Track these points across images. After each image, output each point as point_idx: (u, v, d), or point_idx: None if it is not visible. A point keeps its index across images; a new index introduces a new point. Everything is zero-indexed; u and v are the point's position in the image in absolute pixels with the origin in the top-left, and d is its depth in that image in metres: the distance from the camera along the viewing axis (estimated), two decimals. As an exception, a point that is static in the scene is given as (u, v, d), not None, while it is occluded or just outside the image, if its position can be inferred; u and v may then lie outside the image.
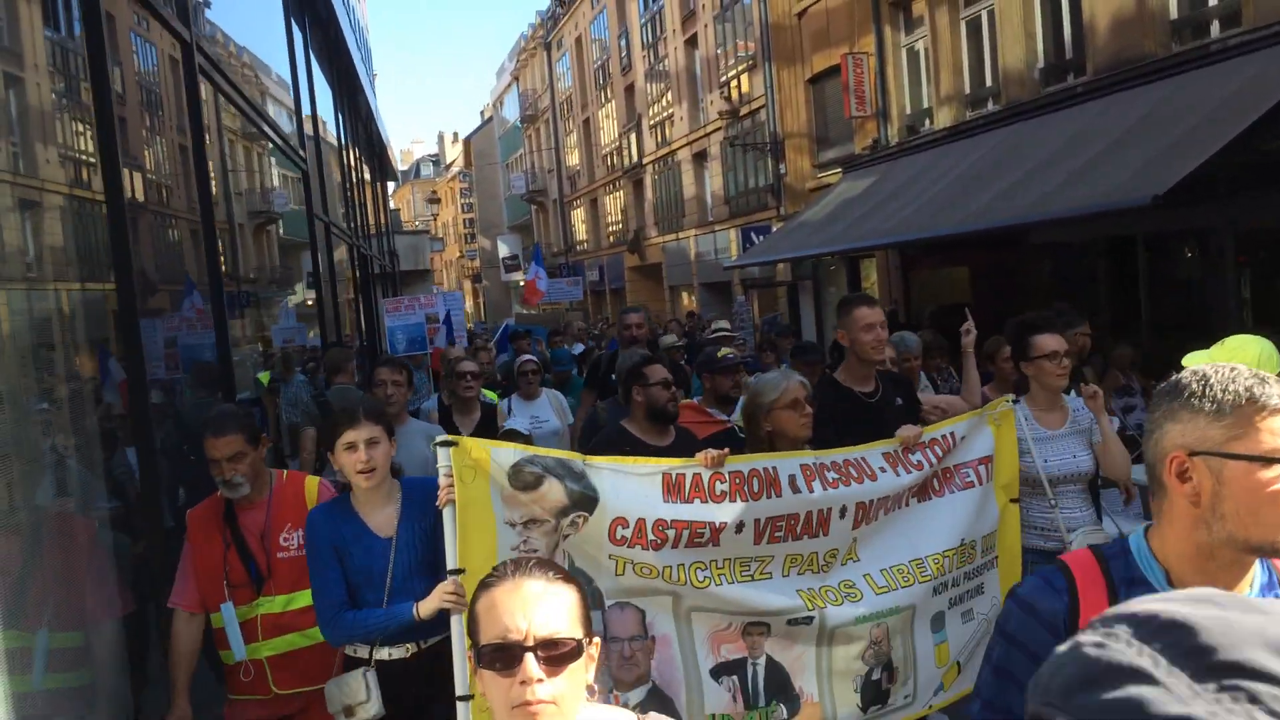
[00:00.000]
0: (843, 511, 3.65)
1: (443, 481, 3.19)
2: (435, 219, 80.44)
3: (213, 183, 5.23)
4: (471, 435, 6.23)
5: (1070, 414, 4.48)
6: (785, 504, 3.55)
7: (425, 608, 3.27)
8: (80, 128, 3.84)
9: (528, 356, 8.13)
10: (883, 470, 3.78)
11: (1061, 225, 10.83)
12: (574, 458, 3.42)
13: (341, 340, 11.69)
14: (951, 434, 4.01)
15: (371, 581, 3.45)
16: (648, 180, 33.15)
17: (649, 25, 31.95)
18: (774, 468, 3.59)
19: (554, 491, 3.29)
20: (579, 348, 13.54)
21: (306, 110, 9.69)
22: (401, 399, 5.45)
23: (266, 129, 7.21)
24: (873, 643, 3.68)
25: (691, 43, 28.23)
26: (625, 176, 35.04)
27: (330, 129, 12.86)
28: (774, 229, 21.77)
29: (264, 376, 7.67)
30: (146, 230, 4.71)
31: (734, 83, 24.49)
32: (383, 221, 23.34)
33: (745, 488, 3.50)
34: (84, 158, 3.83)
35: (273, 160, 8.62)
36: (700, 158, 28.36)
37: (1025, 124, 12.89)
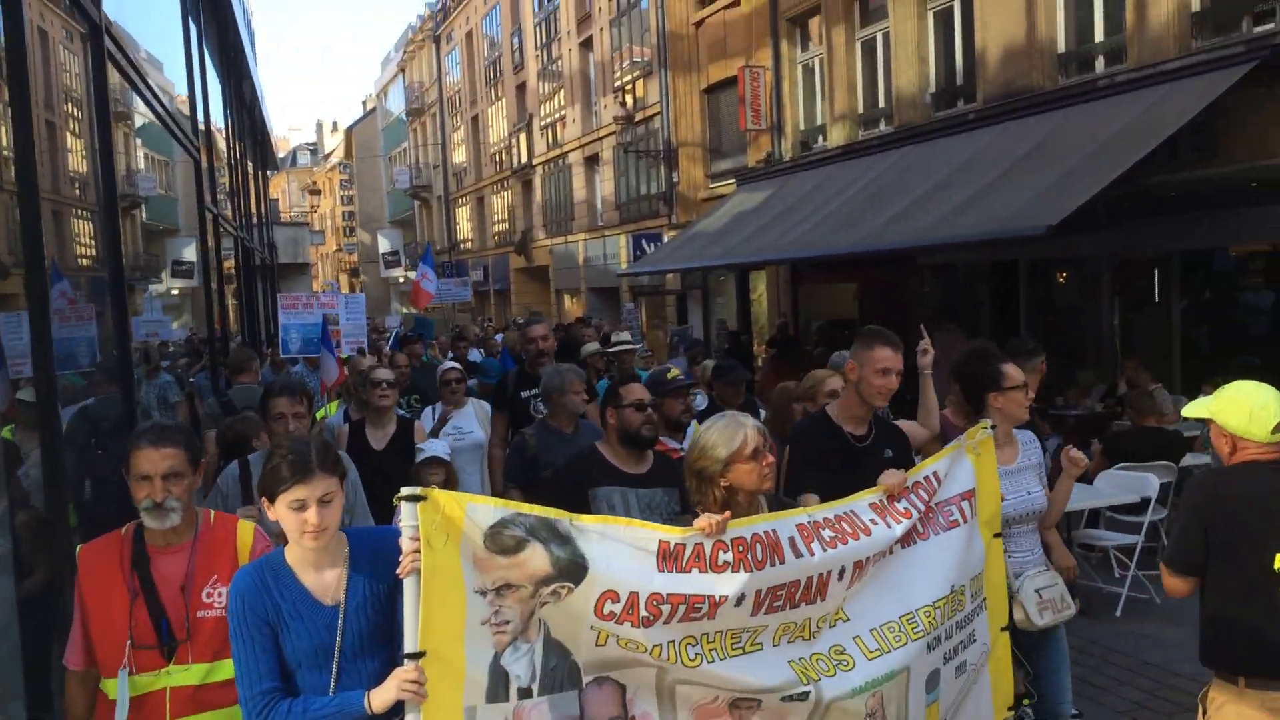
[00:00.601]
0: (841, 573, 3.37)
1: (406, 545, 2.76)
2: (315, 210, 78.31)
3: (84, 164, 4.93)
4: (385, 450, 5.84)
5: (1021, 448, 4.35)
6: (788, 570, 3.24)
7: (379, 699, 2.75)
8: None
9: (450, 364, 7.68)
10: (874, 523, 3.50)
11: (950, 248, 11.16)
12: (560, 516, 2.99)
13: (225, 336, 11.22)
14: (935, 473, 3.74)
15: (315, 660, 2.88)
16: (537, 181, 32.92)
17: (543, 25, 31.75)
18: (774, 530, 3.26)
19: (536, 557, 2.88)
20: (474, 354, 13.26)
21: (199, 95, 9.27)
22: (303, 433, 4.61)
23: (166, 117, 6.85)
24: (869, 714, 3.38)
25: (586, 45, 28.16)
26: (514, 176, 34.73)
27: (218, 114, 12.33)
28: (665, 237, 21.89)
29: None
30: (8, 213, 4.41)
31: (629, 88, 24.53)
32: (263, 212, 22.55)
33: (749, 555, 3.16)
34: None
35: (138, 141, 8.20)
36: (592, 161, 28.32)
37: (918, 147, 13.25)
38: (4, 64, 3.51)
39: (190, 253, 11.44)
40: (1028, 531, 4.28)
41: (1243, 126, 9.12)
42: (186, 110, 9.10)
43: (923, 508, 3.63)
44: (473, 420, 7.02)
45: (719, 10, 19.65)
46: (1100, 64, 11.20)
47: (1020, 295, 13.03)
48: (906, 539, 3.58)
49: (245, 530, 3.33)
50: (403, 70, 51.98)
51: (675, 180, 21.94)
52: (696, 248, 16.30)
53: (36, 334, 3.51)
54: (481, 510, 2.88)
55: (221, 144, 12.79)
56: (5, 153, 3.74)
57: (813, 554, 3.29)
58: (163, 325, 9.45)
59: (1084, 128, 10.06)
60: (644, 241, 22.81)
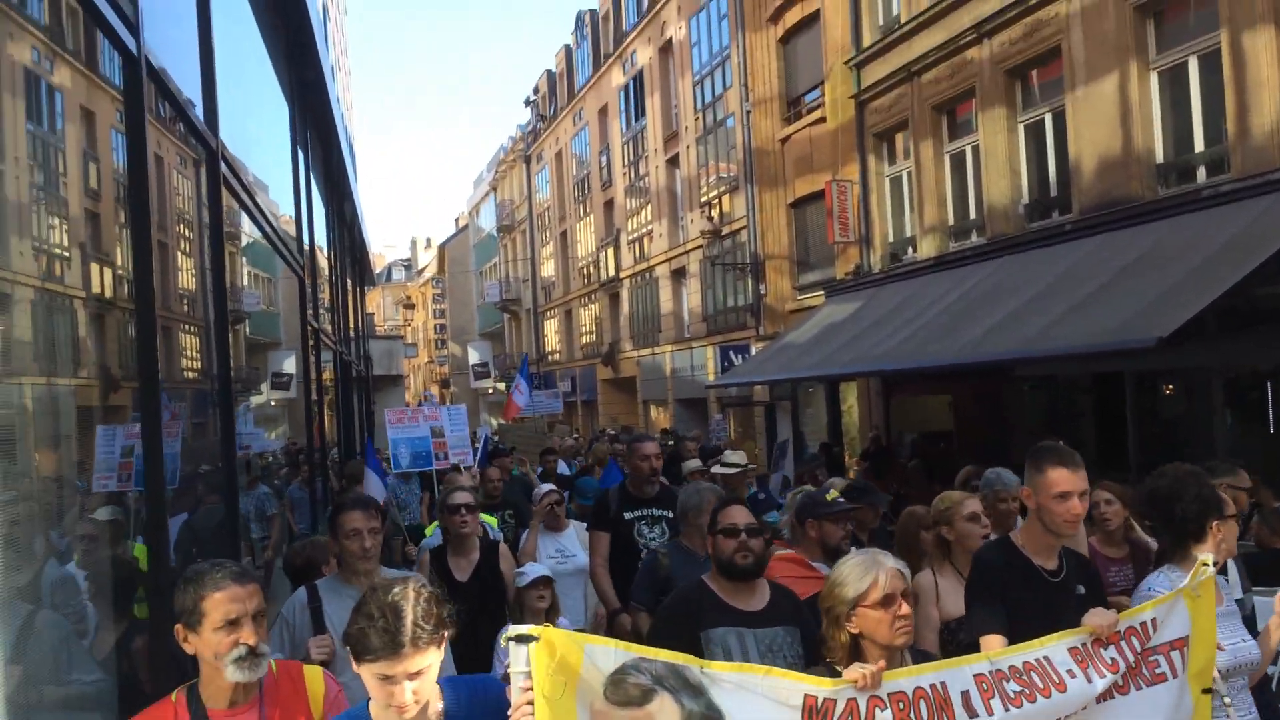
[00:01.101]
0: None
1: (517, 695, 2.45)
2: (408, 324, 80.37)
3: (194, 280, 5.08)
4: (470, 581, 5.50)
5: (1222, 587, 3.76)
6: None
7: None
8: (115, 236, 3.68)
9: (549, 487, 7.35)
10: (1071, 675, 3.02)
11: (1049, 361, 10.87)
12: (690, 663, 2.65)
13: (325, 447, 11.38)
14: (1152, 620, 3.25)
15: None
16: (624, 294, 33.35)
17: (630, 143, 32.58)
18: (943, 683, 2.86)
19: (665, 712, 2.49)
20: (563, 468, 13.22)
21: (305, 215, 9.61)
22: (377, 551, 4.43)
23: (274, 237, 7.08)
24: None
25: (673, 162, 28.77)
26: (601, 289, 35.26)
27: (321, 233, 12.78)
28: (752, 348, 21.85)
29: None
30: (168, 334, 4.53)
31: (715, 203, 24.88)
32: (360, 326, 23.19)
33: (911, 714, 2.77)
34: (118, 268, 3.66)
35: (244, 259, 8.51)
36: (679, 274, 28.62)
37: (1012, 258, 13.07)
38: (125, 187, 3.65)
39: (290, 365, 11.72)
40: (1241, 688, 3.67)
41: (1359, 234, 8.79)
42: (292, 230, 9.45)
43: (1133, 660, 3.17)
44: (575, 543, 6.73)
45: (805, 127, 19.92)
46: (1202, 174, 10.97)
47: (1126, 408, 12.57)
48: (1105, 693, 3.12)
49: (315, 678, 3.02)
50: (494, 189, 53.69)
51: (762, 292, 22.00)
52: (786, 359, 16.19)
53: (149, 448, 3.53)
54: (602, 653, 2.57)
55: (323, 262, 13.23)
56: (121, 271, 3.87)
57: (991, 713, 2.86)
58: (255, 437, 9.59)
59: (1188, 238, 9.81)
60: (731, 353, 22.80)
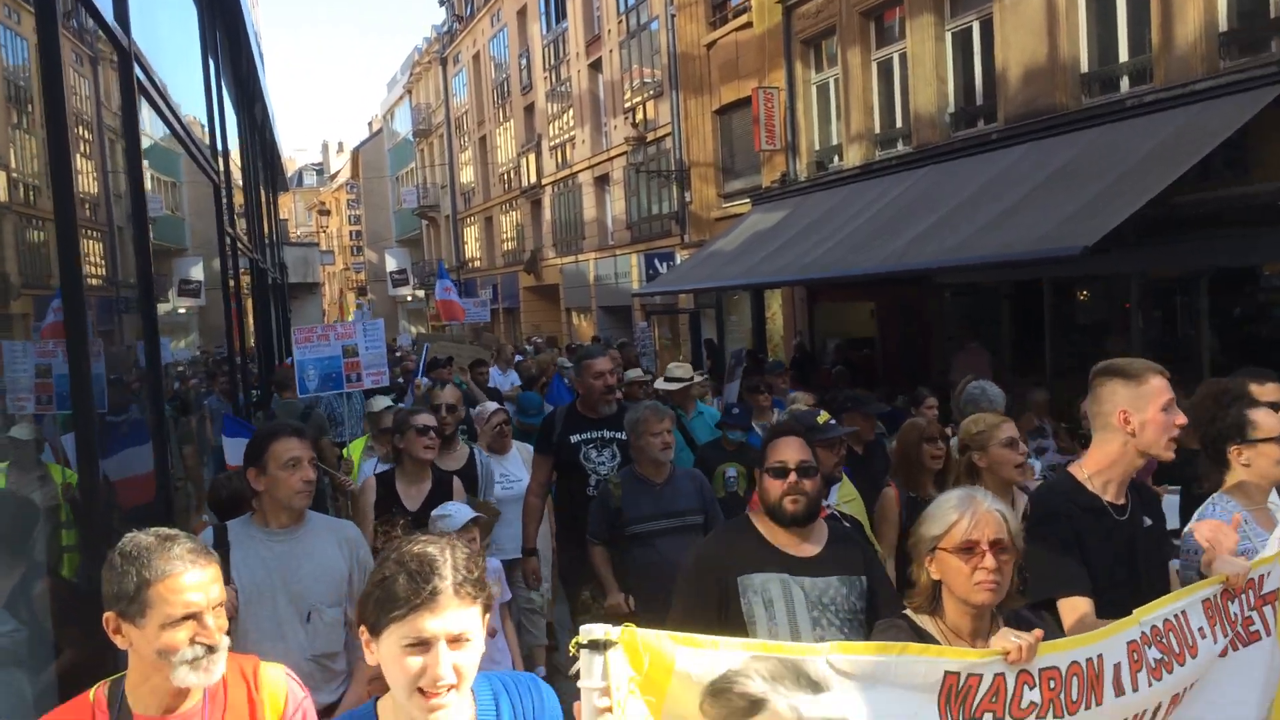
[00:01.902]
0: (1155, 711, 2.56)
1: (589, 713, 2.00)
2: (323, 230, 78.42)
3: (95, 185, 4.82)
4: (421, 511, 4.91)
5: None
6: (1104, 714, 2.42)
7: None
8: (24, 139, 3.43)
9: (495, 406, 6.99)
10: (1201, 634, 2.64)
11: (977, 269, 11.03)
12: (810, 653, 2.17)
13: (245, 357, 11.09)
14: (1262, 575, 2.85)
15: None
16: (546, 201, 32.87)
17: (551, 46, 31.76)
18: (1099, 656, 2.43)
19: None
20: (513, 377, 12.81)
21: (218, 119, 9.18)
22: (312, 488, 3.76)
23: (188, 142, 6.74)
24: None
25: (595, 66, 28.15)
26: (523, 196, 34.69)
27: (233, 137, 12.25)
28: (678, 256, 21.79)
29: None
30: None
31: (639, 109, 24.48)
32: (274, 232, 22.49)
33: (1062, 695, 2.34)
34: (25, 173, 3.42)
35: (146, 163, 8.13)
36: (602, 181, 28.26)
37: (938, 167, 13.14)
38: (33, 88, 3.40)
39: (197, 272, 11.31)
40: None
41: (1276, 144, 9.00)
42: (202, 135, 9.03)
43: (1249, 615, 2.78)
44: (520, 465, 6.42)
45: (731, 32, 19.59)
46: (1125, 84, 11.08)
47: (1044, 314, 12.87)
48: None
49: (273, 682, 2.48)
50: (409, 92, 52.10)
51: (688, 200, 21.86)
52: (713, 267, 16.18)
53: (74, 362, 3.32)
54: (699, 659, 2.08)
55: (237, 167, 12.71)
56: (28, 176, 3.63)
57: (1136, 689, 2.45)
58: (163, 347, 9.15)
59: (1112, 148, 9.94)
60: (656, 261, 22.72)
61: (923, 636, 2.58)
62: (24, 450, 3.77)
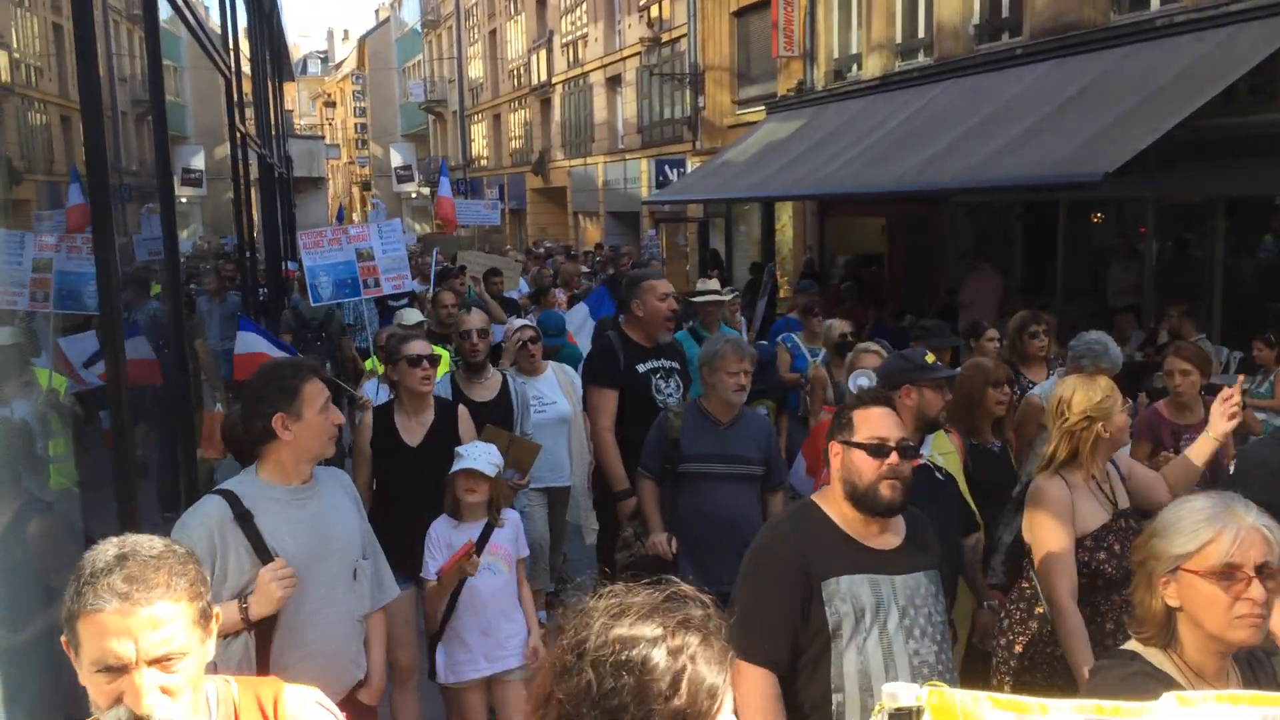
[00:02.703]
0: None
1: None
2: (329, 123, 77.34)
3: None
4: (423, 446, 4.60)
5: None
6: None
7: None
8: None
9: (523, 321, 6.47)
10: None
11: (998, 191, 10.92)
12: (1143, 715, 1.69)
13: (255, 252, 11.05)
14: None
15: None
16: (556, 100, 32.35)
17: (566, -62, 30.92)
18: None
19: None
20: (523, 285, 12.34)
21: (229, 8, 8.99)
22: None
23: (203, 34, 6.62)
24: None
25: (611, -39, 27.44)
26: (532, 94, 34.13)
27: (241, 26, 12.01)
28: (689, 163, 21.53)
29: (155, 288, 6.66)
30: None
31: (654, 7, 23.93)
32: (279, 124, 22.20)
33: None
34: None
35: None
36: (614, 82, 27.76)
37: (959, 81, 12.88)
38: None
39: (199, 161, 11.21)
40: None
41: (1306, 72, 8.83)
42: (211, 25, 8.85)
43: None
44: (555, 387, 5.90)
45: (753, -71, 19.04)
46: (1155, 2, 10.81)
47: (1057, 236, 12.78)
48: None
49: (296, 714, 2.03)
50: (418, -20, 50.87)
51: (701, 105, 21.50)
52: (726, 178, 16.00)
53: (102, 259, 3.26)
54: None
55: (244, 57, 12.49)
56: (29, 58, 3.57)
57: None
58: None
59: (1138, 69, 9.74)
60: (667, 167, 22.46)
61: (1160, 679, 2.12)
62: (7, 355, 3.63)
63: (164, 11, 6.16)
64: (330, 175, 59.61)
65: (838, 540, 2.84)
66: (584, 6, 29.52)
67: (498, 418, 5.13)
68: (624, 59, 26.52)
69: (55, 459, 3.91)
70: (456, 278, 9.81)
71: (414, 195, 50.84)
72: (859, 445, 2.81)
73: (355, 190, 71.24)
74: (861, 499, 2.81)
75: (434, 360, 4.73)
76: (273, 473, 3.17)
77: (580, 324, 9.08)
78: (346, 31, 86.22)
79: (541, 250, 21.92)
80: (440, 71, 47.64)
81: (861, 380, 4.46)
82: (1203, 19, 9.61)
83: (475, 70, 42.63)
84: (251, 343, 6.03)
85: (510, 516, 4.37)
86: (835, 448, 2.89)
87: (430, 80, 48.64)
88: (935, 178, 10.46)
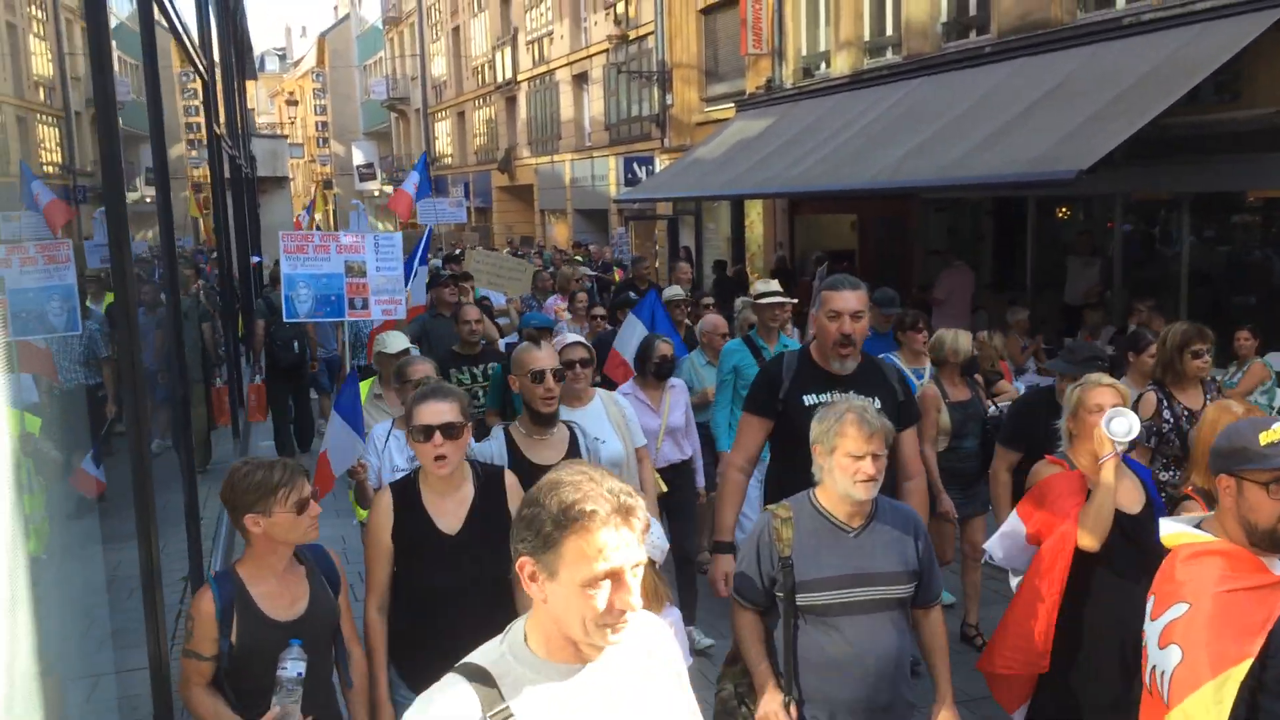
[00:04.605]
0: None
1: None
2: (291, 121, 76.47)
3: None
4: (464, 534, 3.45)
5: None
6: None
7: None
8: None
9: (575, 338, 5.40)
10: None
11: (972, 189, 11.06)
12: None
13: (224, 252, 10.97)
14: None
15: None
16: (521, 98, 32.27)
17: (529, -65, 30.82)
18: None
19: None
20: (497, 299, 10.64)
21: (206, 6, 8.91)
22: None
23: (183, 35, 6.57)
24: None
25: (576, -42, 27.40)
26: (497, 92, 34.01)
27: (212, 23, 11.89)
28: (657, 160, 21.58)
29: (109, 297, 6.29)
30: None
31: (620, 4, 23.93)
32: (243, 123, 21.97)
33: None
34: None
35: (114, 44, 7.84)
36: (581, 79, 27.74)
37: (928, 79, 13.04)
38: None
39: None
40: None
41: (1268, 70, 9.03)
42: (187, 23, 8.75)
43: None
44: (603, 421, 4.65)
45: (720, -73, 19.12)
46: (1121, 1, 11.00)
47: (1027, 231, 12.97)
48: None
49: None
50: (379, -24, 50.45)
51: (669, 103, 21.56)
52: (696, 176, 16.07)
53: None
54: None
55: (215, 55, 12.36)
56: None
57: None
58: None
59: (1106, 67, 9.92)
60: (635, 164, 22.50)
61: None
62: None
63: (123, 5, 6.10)
64: (292, 175, 59.07)
65: None
66: (548, 3, 29.46)
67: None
68: (590, 56, 26.51)
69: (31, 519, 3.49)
70: (446, 286, 8.52)
71: (377, 194, 50.43)
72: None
73: (316, 189, 70.56)
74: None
75: (455, 432, 3.42)
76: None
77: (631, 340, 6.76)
78: (305, 28, 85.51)
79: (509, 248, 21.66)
80: (402, 69, 47.30)
81: (1124, 423, 3.57)
82: (1169, 17, 9.81)
83: (438, 67, 42.38)
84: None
85: (671, 616, 3.32)
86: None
87: (392, 77, 48.27)
88: (911, 176, 10.59)
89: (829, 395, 3.97)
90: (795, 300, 7.01)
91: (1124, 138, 8.30)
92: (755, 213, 18.83)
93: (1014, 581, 3.96)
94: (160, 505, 3.43)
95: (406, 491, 3.52)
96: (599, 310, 8.83)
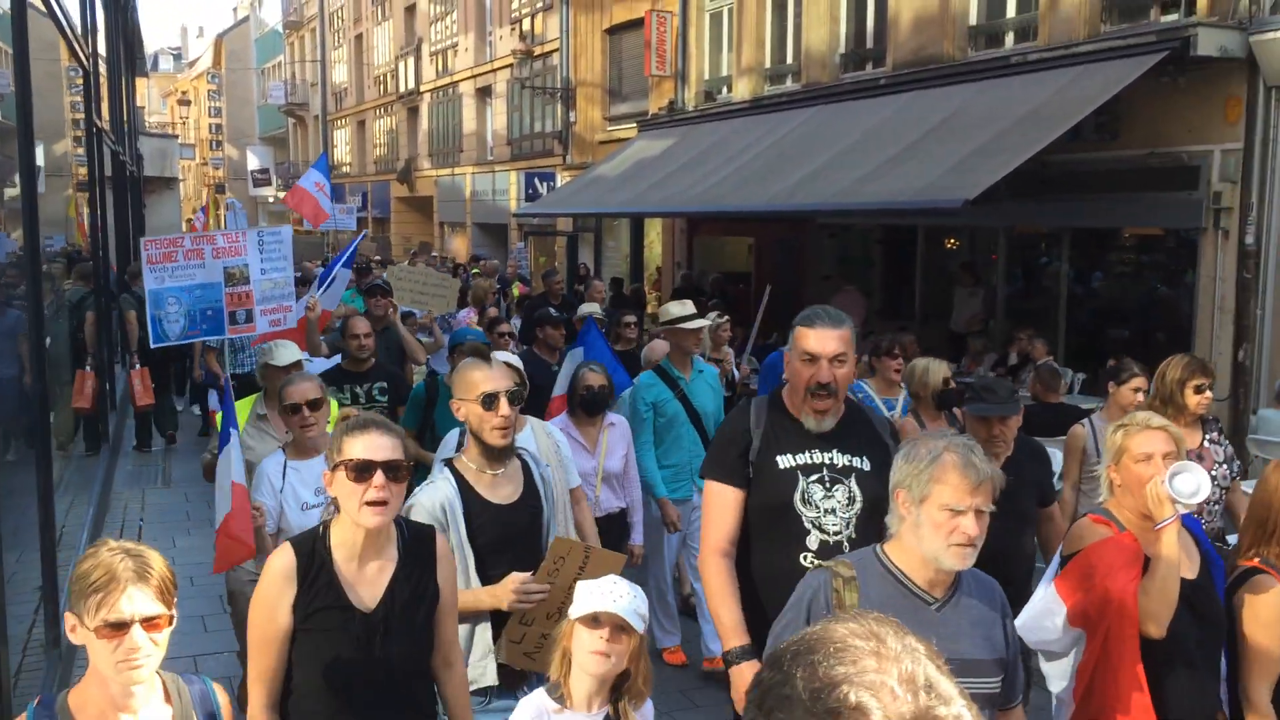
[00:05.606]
0: None
1: None
2: (183, 121, 74.23)
3: None
4: (383, 604, 2.76)
5: None
6: None
7: None
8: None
9: (507, 357, 4.95)
10: None
11: (864, 214, 11.30)
12: None
13: (99, 254, 10.55)
14: None
15: None
16: (423, 109, 31.93)
17: (436, -55, 30.60)
18: None
19: None
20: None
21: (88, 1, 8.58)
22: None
23: (63, 21, 6.30)
24: None
25: (482, -29, 27.29)
26: (399, 101, 33.60)
27: (99, 15, 11.47)
28: (559, 176, 21.56)
29: None
30: None
31: (526, 21, 23.91)
32: (130, 119, 21.23)
33: None
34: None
35: None
36: (484, 93, 27.58)
37: (826, 108, 13.31)
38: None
39: (38, 157, 10.62)
40: None
41: (1145, 112, 9.46)
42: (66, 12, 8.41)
43: None
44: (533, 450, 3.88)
45: (627, -52, 19.24)
46: (1010, 40, 11.42)
47: (916, 260, 13.32)
48: None
49: None
50: (280, -21, 49.46)
51: (572, 120, 21.58)
52: (597, 192, 16.09)
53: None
54: None
55: (101, 48, 11.92)
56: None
57: None
58: None
59: (996, 102, 10.26)
60: (536, 180, 22.43)
61: None
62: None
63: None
64: (183, 176, 57.33)
65: None
66: (454, 15, 29.24)
67: (523, 524, 3.39)
68: (495, 70, 26.39)
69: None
70: (381, 295, 7.75)
71: (271, 200, 49.29)
72: None
73: (208, 192, 68.58)
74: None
75: (401, 474, 2.77)
76: None
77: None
78: (201, 28, 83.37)
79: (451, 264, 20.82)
80: (302, 74, 46.41)
81: (1191, 480, 2.99)
82: (1053, 58, 10.21)
83: (339, 74, 41.69)
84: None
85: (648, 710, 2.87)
86: None
87: (291, 83, 47.31)
88: (805, 200, 10.77)
89: (809, 455, 3.34)
90: (712, 323, 6.57)
91: (1008, 170, 8.58)
92: (655, 232, 18.94)
93: (1048, 666, 3.29)
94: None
95: (315, 552, 2.77)
96: (506, 328, 8.20)
